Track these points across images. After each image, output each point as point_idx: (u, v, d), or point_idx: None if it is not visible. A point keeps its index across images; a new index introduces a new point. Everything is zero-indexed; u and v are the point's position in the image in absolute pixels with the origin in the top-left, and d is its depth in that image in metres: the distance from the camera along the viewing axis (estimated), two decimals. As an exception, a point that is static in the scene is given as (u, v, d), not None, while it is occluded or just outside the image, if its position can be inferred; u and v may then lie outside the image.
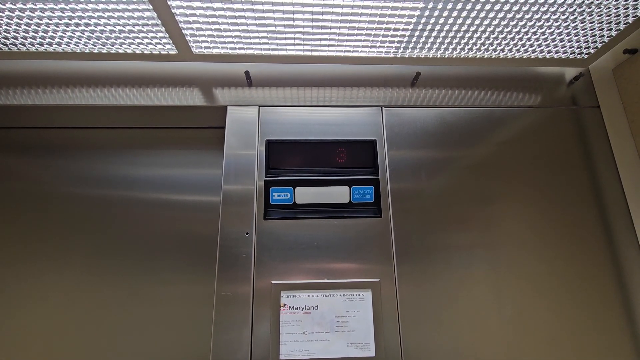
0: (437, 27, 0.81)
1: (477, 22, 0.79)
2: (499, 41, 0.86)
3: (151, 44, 0.85)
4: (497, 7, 0.75)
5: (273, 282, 0.78)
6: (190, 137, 1.02)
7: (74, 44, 0.84)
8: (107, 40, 0.83)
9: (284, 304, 0.76)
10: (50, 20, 0.76)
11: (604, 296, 0.82)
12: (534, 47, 0.89)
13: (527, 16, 0.78)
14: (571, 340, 0.79)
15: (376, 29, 0.81)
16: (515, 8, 0.76)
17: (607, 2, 0.75)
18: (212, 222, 0.93)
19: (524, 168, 0.90)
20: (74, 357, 0.87)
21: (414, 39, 0.85)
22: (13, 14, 0.74)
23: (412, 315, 0.78)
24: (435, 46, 0.87)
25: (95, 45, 0.85)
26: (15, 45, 0.85)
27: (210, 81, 0.92)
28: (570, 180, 0.89)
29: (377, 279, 0.79)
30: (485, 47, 0.88)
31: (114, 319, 0.89)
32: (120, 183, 0.98)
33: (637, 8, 0.77)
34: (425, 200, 0.86)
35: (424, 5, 0.74)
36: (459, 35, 0.83)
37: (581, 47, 0.90)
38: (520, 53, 0.91)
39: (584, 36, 0.85)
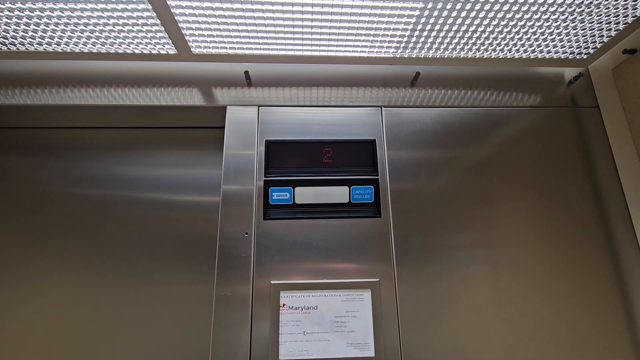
0: (437, 27, 0.81)
1: (477, 22, 0.79)
2: (498, 41, 0.86)
3: (150, 44, 0.85)
4: (496, 7, 0.75)
5: (272, 282, 0.78)
6: (189, 137, 1.02)
7: (74, 44, 0.84)
8: (107, 40, 0.83)
9: (284, 304, 0.76)
10: (50, 20, 0.76)
11: (604, 296, 0.82)
12: (533, 47, 0.89)
13: (526, 16, 0.78)
14: (571, 340, 0.79)
15: (375, 29, 0.81)
16: (515, 8, 0.76)
17: (606, 2, 0.75)
18: (211, 222, 0.93)
19: (524, 168, 0.90)
20: (73, 357, 0.87)
21: (414, 39, 0.85)
22: (13, 14, 0.74)
23: (412, 315, 0.78)
24: (434, 46, 0.87)
25: (94, 45, 0.85)
26: (15, 45, 0.85)
27: (209, 81, 0.92)
28: (570, 181, 0.89)
29: (377, 279, 0.79)
30: (485, 47, 0.88)
31: (113, 319, 0.89)
32: (120, 183, 0.98)
33: (636, 8, 0.77)
34: (425, 200, 0.86)
35: (423, 5, 0.74)
36: (459, 35, 0.83)
37: (580, 47, 0.90)
38: (520, 53, 0.91)
39: (583, 36, 0.85)
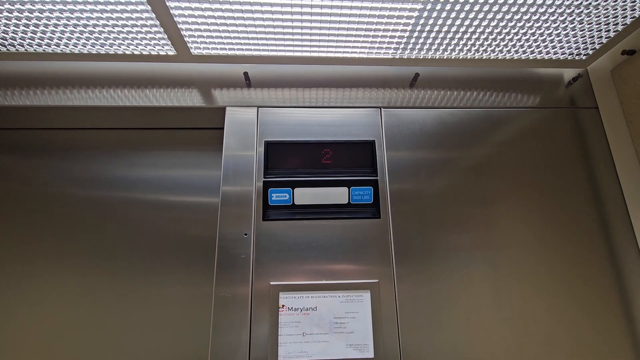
0: (436, 28, 0.81)
1: (476, 23, 0.79)
2: (497, 42, 0.86)
3: (150, 45, 0.85)
4: (495, 8, 0.75)
5: (272, 283, 0.77)
6: (188, 138, 1.02)
7: (73, 45, 0.84)
8: (106, 41, 0.83)
9: (283, 305, 0.76)
10: (49, 21, 0.76)
11: (603, 296, 0.82)
12: (532, 48, 0.89)
13: (525, 17, 0.78)
14: (570, 340, 0.79)
15: (375, 30, 0.81)
16: (514, 9, 0.76)
17: (605, 4, 0.75)
18: (210, 223, 0.93)
19: (523, 169, 0.90)
20: (73, 358, 0.86)
21: (413, 40, 0.85)
22: (12, 15, 0.74)
23: (411, 316, 0.78)
24: (433, 47, 0.87)
25: (94, 46, 0.85)
26: (14, 46, 0.85)
27: (209, 82, 0.92)
28: (569, 181, 0.89)
29: (376, 280, 0.79)
30: (484, 48, 0.88)
31: (112, 320, 0.89)
32: (119, 184, 0.98)
33: (635, 9, 0.77)
34: (424, 201, 0.86)
35: (422, 7, 0.74)
36: (458, 36, 0.84)
37: (579, 48, 0.90)
38: (519, 54, 0.91)
39: (582, 37, 0.86)
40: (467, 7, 0.75)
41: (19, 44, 0.84)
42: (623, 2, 0.74)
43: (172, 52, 0.87)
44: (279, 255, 0.80)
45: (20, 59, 0.89)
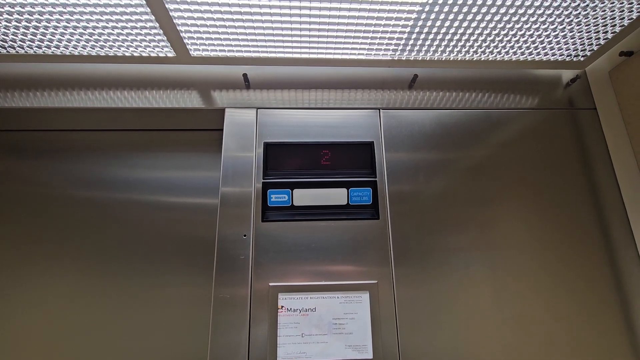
0: (434, 30, 0.81)
1: (474, 24, 0.80)
2: (495, 44, 0.87)
3: (149, 46, 0.85)
4: (493, 10, 0.76)
5: (271, 284, 0.78)
6: (188, 140, 1.02)
7: (73, 47, 0.85)
8: (106, 43, 0.83)
9: (282, 306, 0.76)
10: (49, 23, 0.76)
11: (602, 297, 0.82)
12: (530, 50, 0.89)
13: (523, 19, 0.79)
14: (569, 341, 0.79)
15: (373, 31, 0.81)
16: (512, 11, 0.76)
17: (602, 5, 0.75)
18: (210, 224, 0.93)
19: (522, 170, 0.90)
20: (71, 359, 0.86)
21: (411, 42, 0.85)
22: (12, 17, 0.74)
23: (410, 317, 0.78)
24: (432, 49, 0.88)
25: (93, 48, 0.85)
26: (14, 48, 0.85)
27: (208, 84, 0.93)
28: (568, 182, 0.89)
29: (375, 281, 0.79)
30: (482, 49, 0.89)
31: (112, 321, 0.89)
32: (119, 185, 0.98)
33: (632, 11, 0.77)
34: (423, 202, 0.86)
35: (420, 8, 0.75)
36: (456, 38, 0.84)
37: (577, 49, 0.90)
38: (517, 55, 0.91)
39: (580, 39, 0.86)
40: (465, 9, 0.75)
41: (19, 46, 0.84)
42: (620, 3, 0.75)
43: (171, 54, 0.88)
44: (278, 256, 0.80)
45: (21, 61, 0.90)
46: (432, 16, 0.77)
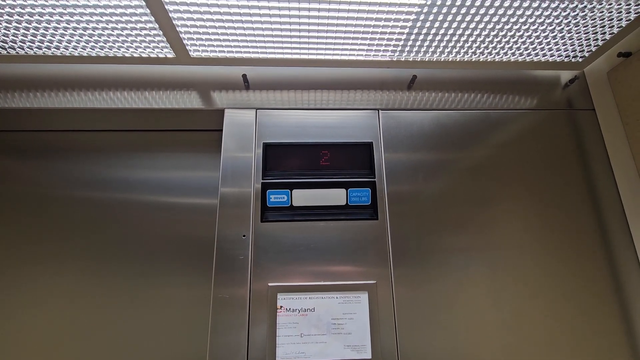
0: (433, 31, 0.81)
1: (473, 25, 0.80)
2: (494, 44, 0.87)
3: (149, 47, 0.85)
4: (492, 11, 0.76)
5: (270, 284, 0.78)
6: (187, 140, 1.03)
7: (72, 48, 0.85)
8: (105, 43, 0.84)
9: (281, 306, 0.76)
10: (49, 24, 0.76)
11: (601, 298, 0.82)
12: (529, 51, 0.89)
13: (522, 20, 0.79)
14: (568, 342, 0.79)
15: (372, 32, 0.81)
16: (510, 12, 0.76)
17: (600, 6, 0.75)
18: (209, 225, 0.93)
19: (520, 170, 0.90)
20: (71, 359, 0.87)
21: (410, 43, 0.85)
22: (12, 18, 0.75)
23: (409, 317, 0.78)
24: (431, 49, 0.88)
25: (93, 49, 0.86)
26: (14, 49, 0.85)
27: (207, 84, 0.93)
28: (566, 183, 0.90)
29: (374, 281, 0.79)
30: (481, 50, 0.89)
31: (111, 321, 0.89)
32: (118, 186, 0.99)
33: (630, 12, 0.77)
34: (422, 202, 0.86)
35: (419, 10, 0.75)
36: (455, 38, 0.84)
37: (576, 50, 0.90)
38: (516, 56, 0.92)
39: (578, 40, 0.86)
40: (463, 10, 0.75)
41: (19, 47, 0.84)
42: (619, 4, 0.75)
43: (171, 55, 0.88)
44: (277, 257, 0.80)
45: (21, 61, 0.90)
46: (431, 17, 0.77)
